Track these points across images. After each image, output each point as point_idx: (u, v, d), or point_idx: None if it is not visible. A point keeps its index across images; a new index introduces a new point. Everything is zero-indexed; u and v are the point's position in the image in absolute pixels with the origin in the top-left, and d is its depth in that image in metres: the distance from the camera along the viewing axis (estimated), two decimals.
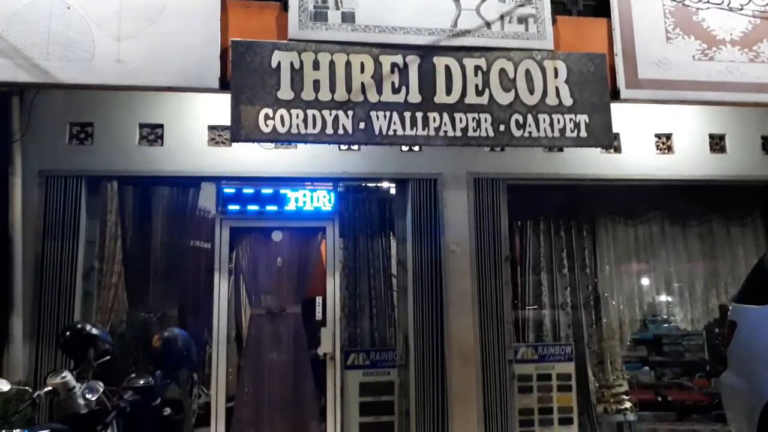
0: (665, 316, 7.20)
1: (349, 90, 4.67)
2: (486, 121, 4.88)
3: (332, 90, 4.65)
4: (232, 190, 5.84)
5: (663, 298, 6.99)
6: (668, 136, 6.09)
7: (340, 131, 4.63)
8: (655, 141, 6.09)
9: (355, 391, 5.54)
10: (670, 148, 6.09)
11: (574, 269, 6.45)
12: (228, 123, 4.60)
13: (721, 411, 4.47)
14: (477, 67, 4.88)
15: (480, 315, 5.50)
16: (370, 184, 6.06)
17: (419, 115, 4.76)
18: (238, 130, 4.53)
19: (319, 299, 6.05)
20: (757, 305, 3.62)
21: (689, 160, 6.07)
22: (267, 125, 4.53)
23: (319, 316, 6.04)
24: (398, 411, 5.55)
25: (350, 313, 5.83)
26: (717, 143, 6.17)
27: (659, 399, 6.92)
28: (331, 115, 4.63)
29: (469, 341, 5.44)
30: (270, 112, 4.54)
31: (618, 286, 6.62)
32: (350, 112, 4.66)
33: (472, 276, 5.59)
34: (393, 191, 6.01)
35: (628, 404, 6.18)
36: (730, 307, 4.14)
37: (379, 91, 4.72)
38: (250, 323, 6.14)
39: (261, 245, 6.12)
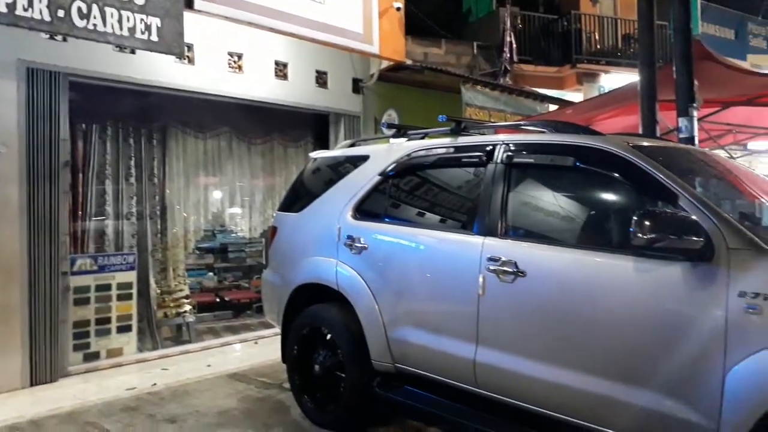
0: (231, 227, 7.81)
1: None
2: (41, 1, 4.20)
3: None
4: None
5: (228, 209, 7.52)
6: (240, 56, 6.41)
7: None
8: (228, 59, 6.34)
9: None
10: (240, 68, 6.43)
11: (142, 179, 6.34)
12: None
13: None
14: None
15: (30, 225, 4.89)
16: None
17: None
18: None
19: None
20: (294, 213, 4.26)
21: (257, 83, 6.54)
22: None
23: None
24: None
25: None
26: (281, 70, 6.81)
27: (218, 300, 7.59)
28: None
29: (14, 254, 4.81)
30: None
31: (186, 197, 6.81)
32: None
33: (21, 182, 4.88)
34: None
35: (187, 307, 6.56)
36: (274, 215, 4.74)
37: None
38: None
39: None
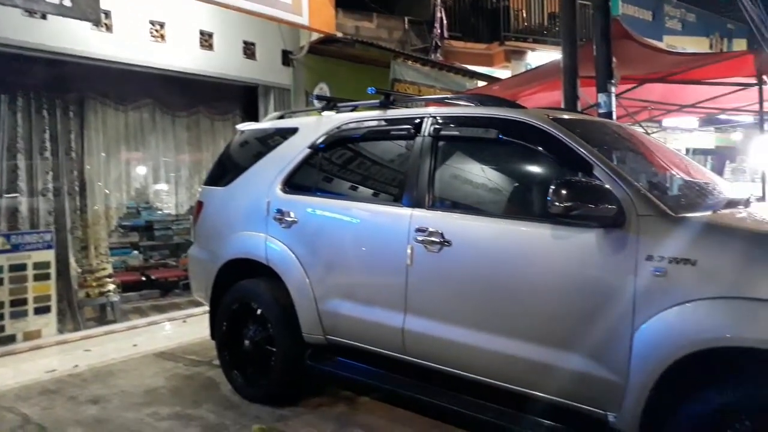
0: (157, 203, 7.55)
1: None
2: None
3: None
4: None
5: (153, 185, 7.26)
6: (162, 25, 6.14)
7: None
8: (149, 27, 6.05)
9: None
10: (163, 37, 6.16)
11: (58, 153, 6.00)
12: None
13: None
14: None
15: None
16: None
17: None
18: None
19: None
20: (221, 187, 4.16)
21: (181, 52, 6.30)
22: None
23: None
24: None
25: None
26: (207, 40, 6.57)
27: (144, 279, 7.36)
28: None
29: None
30: None
31: (107, 172, 6.51)
32: None
33: None
34: None
35: (111, 287, 6.33)
36: (200, 189, 4.62)
37: None
38: None
39: None
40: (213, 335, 4.07)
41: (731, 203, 2.80)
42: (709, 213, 2.47)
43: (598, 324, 2.39)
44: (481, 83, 9.55)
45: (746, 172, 12.67)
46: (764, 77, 5.86)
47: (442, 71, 8.92)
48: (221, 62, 6.68)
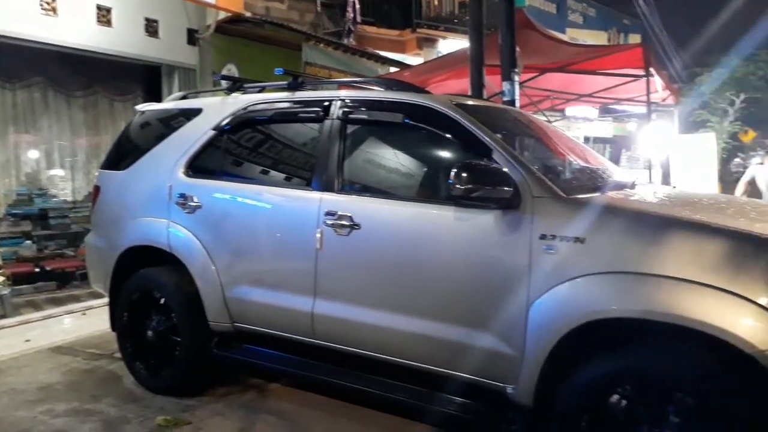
0: (52, 190, 7.06)
1: None
2: None
3: None
4: None
5: (47, 170, 6.78)
6: None
7: None
8: (39, 0, 5.62)
9: None
10: (54, 10, 5.74)
11: None
12: None
13: None
14: None
15: None
16: None
17: None
18: None
19: None
20: (120, 171, 3.95)
21: (75, 28, 5.90)
22: None
23: None
24: None
25: None
26: (104, 15, 6.20)
27: (38, 270, 6.88)
28: None
29: None
30: None
31: None
32: None
33: None
34: None
35: (1, 278, 5.87)
36: (97, 173, 4.37)
37: None
38: None
39: None
40: (113, 326, 3.89)
41: (618, 186, 2.99)
42: (597, 195, 2.63)
43: (497, 301, 2.49)
44: (393, 69, 9.62)
45: (639, 160, 13.61)
46: (651, 69, 6.28)
47: (355, 56, 8.91)
48: (120, 39, 6.32)
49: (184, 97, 4.20)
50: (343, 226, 2.91)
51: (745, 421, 1.97)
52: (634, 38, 19.21)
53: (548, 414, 2.37)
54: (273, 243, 3.24)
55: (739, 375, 2.01)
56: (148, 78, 7.08)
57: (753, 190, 7.33)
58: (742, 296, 2.00)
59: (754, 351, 1.94)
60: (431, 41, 12.23)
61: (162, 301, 3.56)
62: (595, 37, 17.50)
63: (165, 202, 3.57)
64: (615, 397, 2.18)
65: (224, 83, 3.93)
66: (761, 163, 8.12)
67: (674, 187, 6.56)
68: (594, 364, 2.26)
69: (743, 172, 9.09)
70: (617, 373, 2.20)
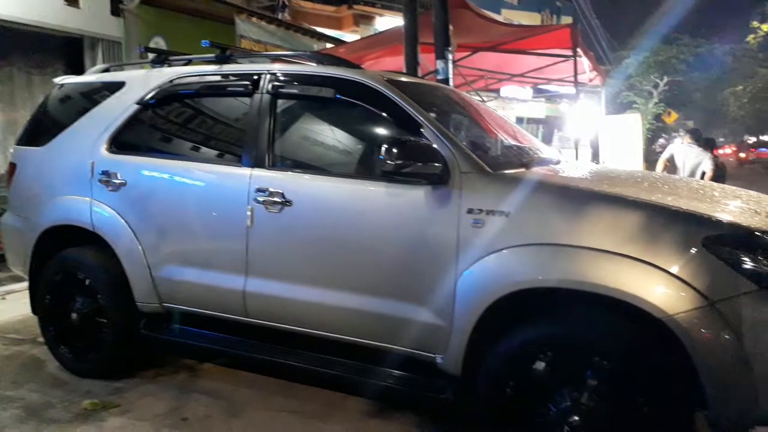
0: None
1: None
2: None
3: None
4: None
5: None
6: None
7: None
8: None
9: None
10: None
11: None
12: None
13: None
14: None
15: None
16: None
17: None
18: None
19: None
20: (38, 147, 3.75)
21: None
22: None
23: None
24: None
25: None
26: None
27: None
28: None
29: None
30: None
31: None
32: None
33: None
34: None
35: None
36: (11, 150, 4.13)
37: None
38: None
39: None
40: (35, 310, 3.72)
41: (543, 162, 3.09)
42: (522, 170, 2.71)
43: (427, 274, 2.54)
44: (330, 46, 9.50)
45: (570, 140, 14.09)
46: (579, 50, 6.48)
47: (290, 31, 8.74)
48: (37, 9, 5.95)
49: (106, 70, 4.01)
50: (274, 203, 2.88)
51: (656, 378, 2.11)
52: (566, 20, 19.73)
53: (476, 382, 2.45)
54: (202, 221, 3.17)
55: (651, 339, 2.14)
56: (69, 51, 6.70)
57: (671, 167, 7.74)
58: (653, 265, 2.13)
59: (663, 316, 2.07)
60: (368, 18, 12.16)
61: (87, 282, 3.43)
62: (529, 18, 17.87)
63: (87, 180, 3.42)
64: (538, 363, 2.28)
65: (150, 56, 3.77)
66: (682, 143, 8.58)
67: (603, 164, 6.84)
68: (518, 332, 2.36)
69: None
70: (539, 341, 2.30)
